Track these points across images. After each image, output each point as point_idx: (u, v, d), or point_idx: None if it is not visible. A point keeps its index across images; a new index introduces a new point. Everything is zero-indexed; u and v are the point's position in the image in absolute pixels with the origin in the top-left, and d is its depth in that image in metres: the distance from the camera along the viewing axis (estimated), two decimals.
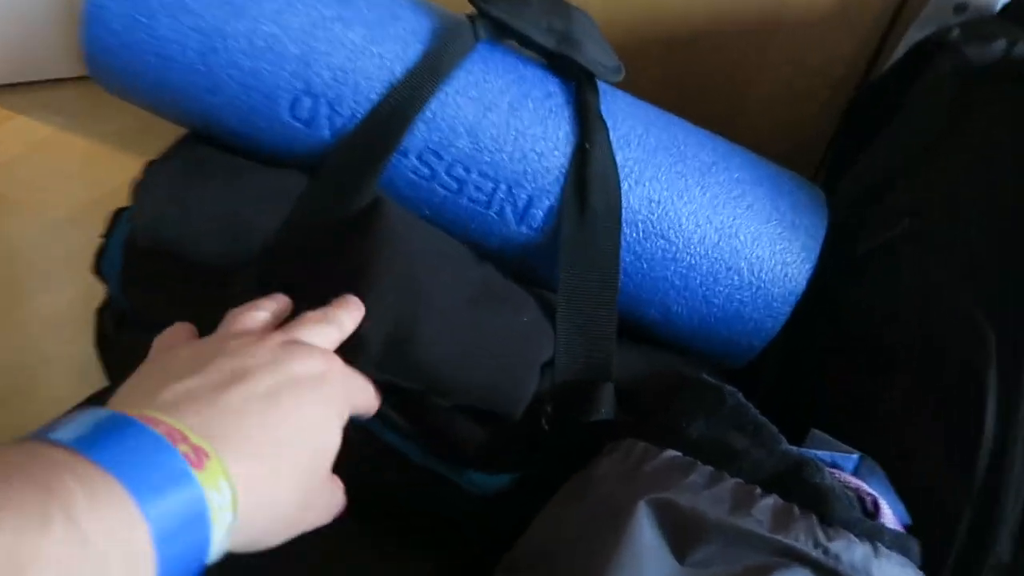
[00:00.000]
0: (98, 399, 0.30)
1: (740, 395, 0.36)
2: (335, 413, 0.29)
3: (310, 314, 0.32)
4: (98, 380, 0.54)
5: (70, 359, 0.56)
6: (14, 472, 0.20)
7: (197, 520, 0.22)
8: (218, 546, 0.23)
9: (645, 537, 0.31)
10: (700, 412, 0.36)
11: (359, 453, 0.41)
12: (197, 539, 0.22)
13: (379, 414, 0.35)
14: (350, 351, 0.33)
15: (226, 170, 0.43)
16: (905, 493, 0.37)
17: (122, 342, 0.49)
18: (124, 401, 0.26)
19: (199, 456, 0.23)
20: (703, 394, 0.37)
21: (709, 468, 0.33)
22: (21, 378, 0.54)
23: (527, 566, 0.34)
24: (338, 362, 0.31)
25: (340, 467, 0.42)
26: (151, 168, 0.43)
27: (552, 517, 0.35)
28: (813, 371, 0.46)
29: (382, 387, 0.35)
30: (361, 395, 0.32)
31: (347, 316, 0.34)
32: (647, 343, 0.44)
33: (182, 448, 0.23)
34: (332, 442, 0.29)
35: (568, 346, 0.39)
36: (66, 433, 0.22)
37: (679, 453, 0.34)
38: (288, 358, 0.28)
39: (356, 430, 0.40)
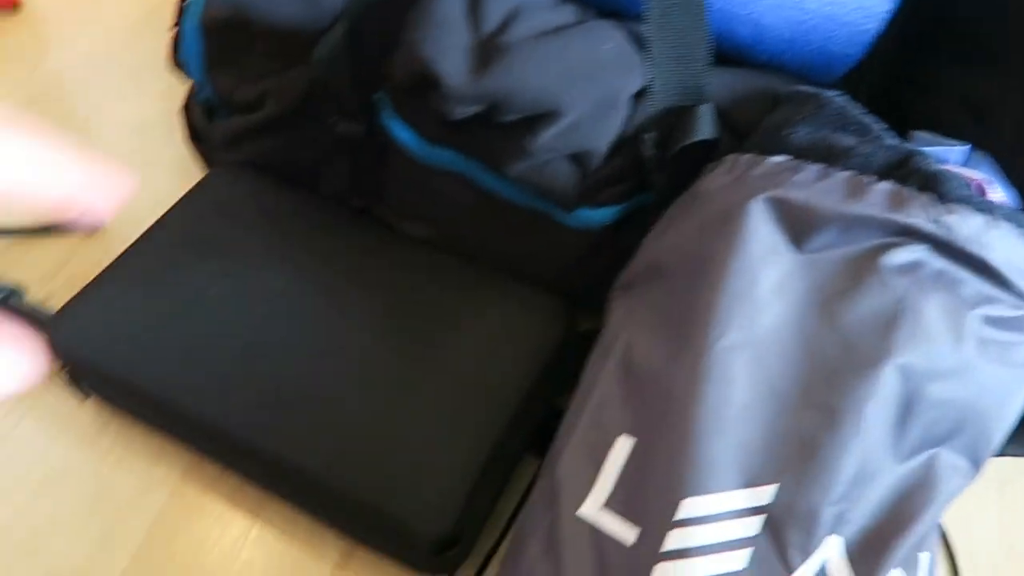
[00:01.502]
0: None
1: (842, 96, 0.35)
2: None
3: None
4: (197, 173, 0.56)
5: (169, 160, 0.58)
6: None
7: None
8: None
9: (761, 232, 0.32)
10: (801, 118, 0.35)
11: (458, 200, 0.43)
12: None
13: (477, 157, 0.36)
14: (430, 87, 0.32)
15: None
16: (1019, 185, 0.37)
17: (215, 130, 0.50)
18: None
19: None
20: (802, 102, 0.36)
21: (818, 165, 0.33)
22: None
23: (642, 283, 0.36)
24: None
25: (442, 214, 0.45)
26: None
27: (661, 235, 0.36)
28: (916, 75, 0.44)
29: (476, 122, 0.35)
30: None
31: None
32: (740, 66, 0.42)
33: None
34: None
35: (662, 71, 0.38)
36: None
37: (786, 156, 0.34)
38: None
39: (453, 178, 0.42)
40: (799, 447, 0.30)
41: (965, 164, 0.37)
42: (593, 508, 0.33)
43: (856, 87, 0.44)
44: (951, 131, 0.38)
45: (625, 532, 0.32)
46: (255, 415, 0.40)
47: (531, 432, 0.42)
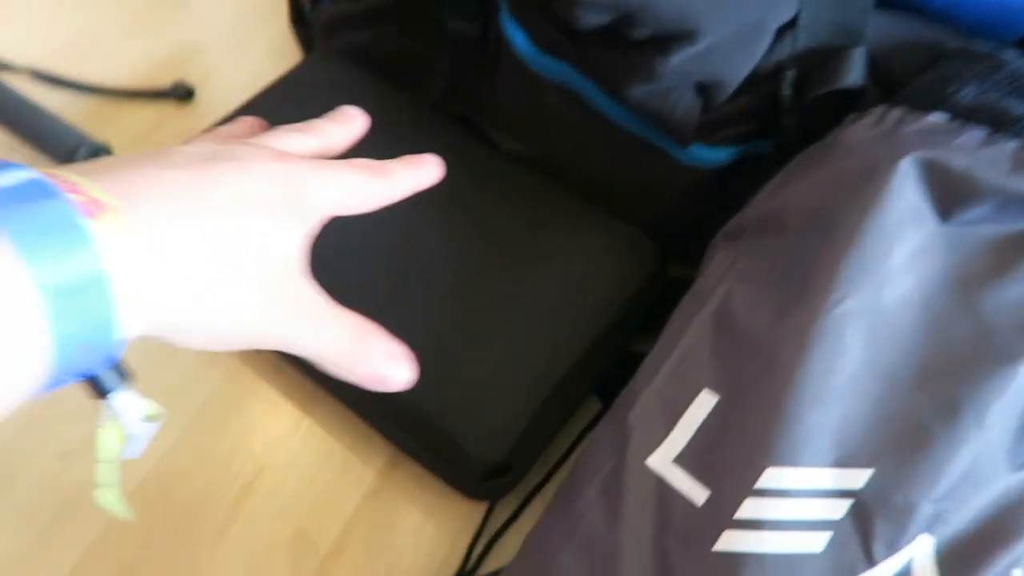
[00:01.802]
0: None
1: (1022, 59, 0.31)
2: (292, 215, 0.24)
3: (287, 126, 0.28)
4: (294, 57, 0.54)
5: (269, 40, 0.57)
6: None
7: (94, 282, 0.18)
8: (132, 321, 0.20)
9: (907, 195, 0.28)
10: (970, 77, 0.31)
11: (564, 117, 0.40)
12: (98, 301, 0.18)
13: (594, 74, 0.33)
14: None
15: None
16: None
17: (320, 14, 0.48)
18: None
19: (95, 207, 0.19)
20: (974, 59, 0.32)
21: (983, 129, 0.29)
22: (225, 62, 0.56)
23: (753, 234, 0.33)
24: (296, 161, 0.25)
25: (543, 131, 0.42)
26: None
27: (784, 186, 0.33)
28: None
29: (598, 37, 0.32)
30: (333, 196, 0.25)
31: (333, 127, 0.29)
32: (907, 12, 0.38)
33: (73, 196, 0.19)
34: (282, 241, 0.23)
35: (815, 4, 0.34)
36: None
37: (946, 115, 0.30)
38: (237, 145, 0.24)
39: (562, 93, 0.39)
40: (906, 433, 0.28)
41: None
42: (663, 460, 0.31)
43: None
44: None
45: (695, 491, 0.30)
46: None
47: (601, 373, 0.40)
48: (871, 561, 0.28)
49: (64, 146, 0.46)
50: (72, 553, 0.38)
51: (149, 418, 0.22)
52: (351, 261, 0.40)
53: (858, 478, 0.28)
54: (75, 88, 0.52)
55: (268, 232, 0.22)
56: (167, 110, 0.53)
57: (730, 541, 0.28)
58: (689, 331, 0.33)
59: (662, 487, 0.30)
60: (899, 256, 0.28)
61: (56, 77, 0.52)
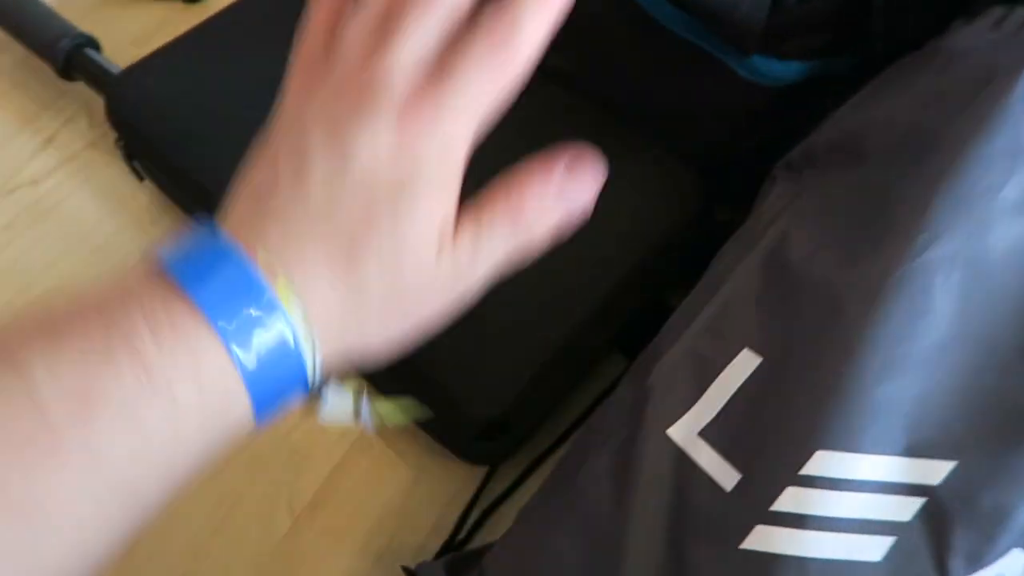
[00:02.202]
0: None
1: None
2: (433, 189, 0.21)
3: (482, 37, 0.21)
4: None
5: None
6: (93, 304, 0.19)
7: (284, 352, 0.20)
8: (315, 362, 0.21)
9: None
10: None
11: (606, 20, 0.34)
12: (288, 364, 0.20)
13: None
14: None
15: None
16: None
17: None
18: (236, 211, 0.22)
19: (271, 273, 0.20)
20: None
21: None
22: None
23: (823, 163, 0.27)
24: (422, 113, 0.21)
25: (582, 38, 0.36)
26: None
27: (869, 102, 0.27)
28: None
29: None
30: (469, 122, 0.22)
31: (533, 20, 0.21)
32: None
33: (256, 265, 0.20)
34: (430, 224, 0.21)
35: None
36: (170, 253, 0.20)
37: None
38: (415, 154, 0.21)
39: None
40: (1004, 419, 0.22)
41: None
42: (686, 432, 0.25)
43: None
44: None
45: (723, 473, 0.24)
46: None
47: (627, 325, 0.34)
48: (943, 574, 0.22)
49: (48, 35, 0.42)
50: None
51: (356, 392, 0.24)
52: None
53: (935, 472, 0.22)
54: None
55: (416, 221, 0.21)
56: (173, 12, 0.49)
57: (763, 538, 0.23)
58: (731, 279, 0.27)
59: (683, 464, 0.25)
60: (1014, 191, 0.22)
61: None
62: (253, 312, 0.19)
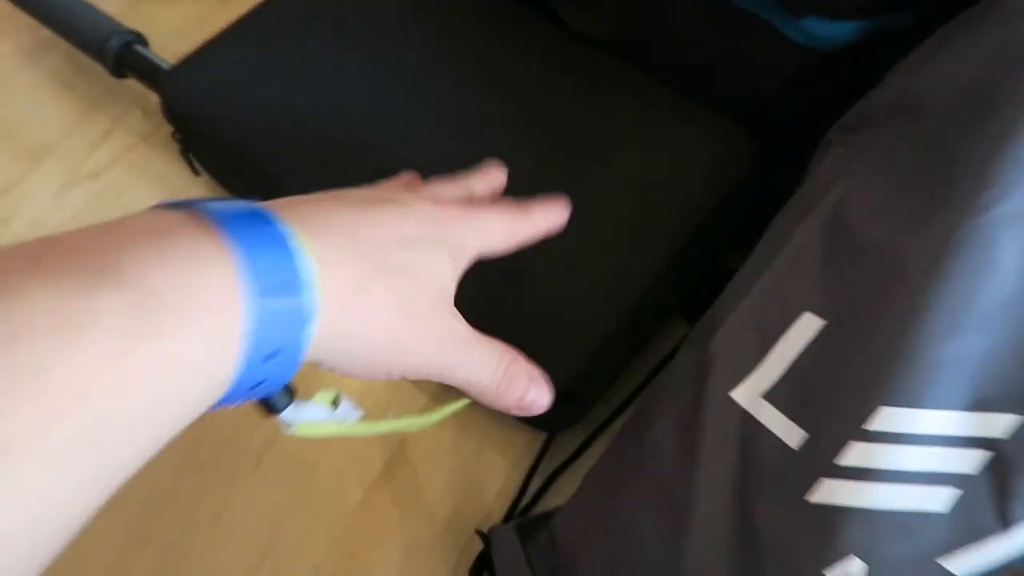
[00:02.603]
0: None
1: None
2: (446, 251, 0.26)
3: (438, 179, 0.30)
4: None
5: None
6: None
7: (295, 305, 0.20)
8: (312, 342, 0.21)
9: None
10: None
11: None
12: (293, 321, 0.20)
13: None
14: None
15: None
16: None
17: None
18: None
19: (292, 236, 0.21)
20: None
21: None
22: None
23: (882, 123, 0.27)
24: (449, 206, 0.27)
25: (624, 7, 0.37)
26: None
27: (929, 59, 0.26)
28: None
29: None
30: (480, 238, 0.27)
31: (478, 181, 0.31)
32: None
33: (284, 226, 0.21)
34: (439, 273, 0.25)
35: None
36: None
37: None
38: (397, 191, 0.27)
39: None
40: None
41: None
42: (751, 394, 0.26)
43: None
44: None
45: (789, 432, 0.25)
46: None
47: (687, 290, 0.35)
48: (1005, 522, 0.22)
49: (97, 35, 0.43)
50: None
51: (332, 404, 0.25)
52: (421, 154, 0.36)
53: (1000, 425, 0.23)
54: None
55: (426, 263, 0.25)
56: (211, 5, 0.50)
57: (829, 491, 0.23)
58: (791, 242, 0.28)
59: (748, 424, 0.25)
60: None
61: None
62: (278, 270, 0.20)
